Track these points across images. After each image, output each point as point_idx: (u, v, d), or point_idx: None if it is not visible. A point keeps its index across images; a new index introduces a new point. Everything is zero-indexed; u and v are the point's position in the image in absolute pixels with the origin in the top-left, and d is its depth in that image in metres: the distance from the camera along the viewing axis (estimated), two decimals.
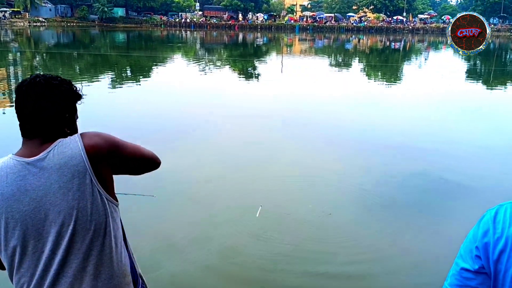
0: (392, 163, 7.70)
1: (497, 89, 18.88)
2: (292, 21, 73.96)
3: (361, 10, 79.48)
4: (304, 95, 14.83)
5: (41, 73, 1.68)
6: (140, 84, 17.26)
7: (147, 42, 46.50)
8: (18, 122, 1.63)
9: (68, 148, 1.56)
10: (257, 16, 75.56)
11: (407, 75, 23.34)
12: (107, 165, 1.63)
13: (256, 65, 26.94)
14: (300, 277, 4.20)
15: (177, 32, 65.00)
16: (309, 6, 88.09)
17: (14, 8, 66.03)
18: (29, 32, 53.82)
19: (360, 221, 5.47)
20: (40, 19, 66.23)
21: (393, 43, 51.57)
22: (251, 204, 5.76)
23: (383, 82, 20.79)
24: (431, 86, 18.14)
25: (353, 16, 76.34)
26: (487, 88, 19.16)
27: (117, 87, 16.30)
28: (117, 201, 1.69)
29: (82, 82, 16.29)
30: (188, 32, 65.47)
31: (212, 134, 9.42)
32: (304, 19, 75.05)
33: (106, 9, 69.85)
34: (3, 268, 1.66)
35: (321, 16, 75.14)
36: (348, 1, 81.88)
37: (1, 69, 21.58)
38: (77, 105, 1.74)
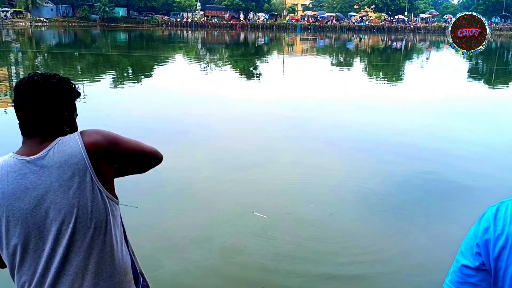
0: (393, 162, 7.68)
1: (499, 88, 18.84)
2: (294, 21, 73.93)
3: (363, 9, 79.40)
4: (305, 95, 14.81)
5: (40, 71, 1.68)
6: (141, 84, 17.28)
7: (148, 42, 46.53)
8: (18, 121, 1.63)
9: (68, 146, 1.56)
10: (259, 16, 75.54)
11: (408, 75, 23.31)
12: (108, 163, 1.63)
13: (257, 65, 26.94)
14: (301, 277, 4.20)
15: (179, 32, 65.02)
16: (310, 5, 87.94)
17: (15, 8, 66.11)
18: (30, 32, 53.90)
19: (361, 221, 5.46)
20: (42, 19, 66.30)
21: (395, 43, 51.51)
22: (252, 204, 5.76)
23: (384, 81, 20.78)
24: (432, 85, 18.11)
25: (354, 15, 76.25)
26: (489, 88, 19.12)
27: (119, 87, 16.32)
28: (117, 199, 1.68)
29: (84, 82, 16.31)
30: (190, 31, 65.48)
31: (213, 134, 9.42)
32: (306, 19, 75.01)
33: (107, 9, 69.89)
34: (4, 266, 1.67)
35: (323, 15, 75.09)
36: (350, 0, 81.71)
37: (3, 69, 21.62)
38: (76, 103, 1.74)
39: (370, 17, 75.53)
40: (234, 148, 8.35)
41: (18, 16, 64.96)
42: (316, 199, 5.99)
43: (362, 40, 56.77)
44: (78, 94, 1.73)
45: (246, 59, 29.56)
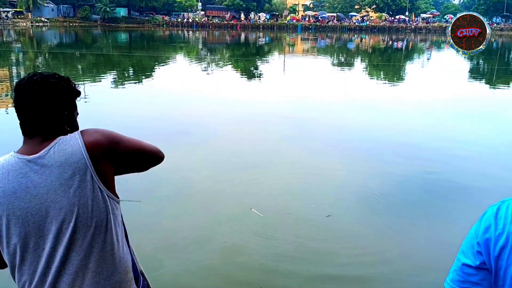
0: (394, 162, 7.68)
1: (500, 88, 18.83)
2: (294, 21, 73.95)
3: (364, 9, 79.42)
4: (306, 95, 14.81)
5: (40, 71, 1.68)
6: (142, 84, 17.29)
7: (149, 42, 46.56)
8: (18, 121, 1.63)
9: (69, 145, 1.56)
10: (259, 16, 75.58)
11: (409, 75, 23.31)
12: (108, 161, 1.62)
13: (258, 65, 26.94)
14: (302, 277, 4.20)
15: (179, 32, 65.06)
16: (311, 5, 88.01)
17: (16, 8, 66.20)
18: (31, 32, 53.97)
19: (362, 221, 5.46)
20: (43, 19, 66.38)
21: (396, 43, 51.49)
22: (252, 204, 5.76)
23: (385, 81, 20.77)
24: (433, 85, 18.10)
25: (355, 15, 76.27)
26: (490, 88, 19.11)
27: (119, 87, 16.33)
28: (118, 198, 1.68)
29: (85, 82, 16.32)
30: (190, 32, 65.51)
31: (214, 134, 9.42)
32: (306, 19, 75.04)
33: (108, 9, 69.97)
34: (5, 266, 1.67)
35: (323, 15, 75.11)
36: (351, 0, 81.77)
37: (4, 69, 21.65)
38: (76, 102, 1.73)
39: (371, 17, 75.53)
40: (234, 148, 8.35)
41: (19, 17, 65.06)
42: (316, 199, 5.98)
43: (363, 40, 56.75)
44: (78, 93, 1.73)
45: (247, 59, 29.57)
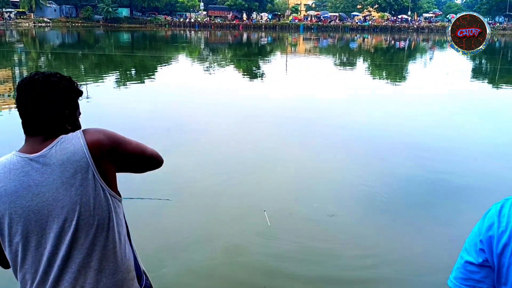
0: (398, 162, 7.67)
1: (503, 87, 18.79)
2: (297, 21, 73.97)
3: (366, 9, 79.36)
4: (308, 95, 14.81)
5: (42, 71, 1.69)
6: (145, 84, 17.30)
7: (151, 42, 46.61)
8: (20, 120, 1.64)
9: (71, 144, 1.56)
10: (262, 16, 75.60)
11: (412, 74, 23.28)
12: (109, 161, 1.63)
13: (260, 64, 26.94)
14: (304, 277, 4.20)
15: (182, 32, 65.11)
16: (313, 5, 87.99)
17: (19, 8, 66.35)
18: (34, 32, 54.07)
19: (365, 221, 5.44)
20: (45, 19, 66.51)
21: (398, 42, 51.43)
22: (255, 203, 5.77)
23: (388, 81, 20.74)
24: (436, 85, 18.06)
25: (357, 15, 76.19)
26: (492, 87, 19.06)
27: (122, 87, 16.36)
28: (120, 196, 1.69)
29: (87, 82, 16.35)
30: (193, 32, 65.55)
31: (216, 134, 9.42)
32: (309, 19, 75.03)
33: (110, 9, 70.07)
34: (8, 267, 1.67)
35: (326, 15, 75.10)
36: (353, 0, 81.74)
37: (7, 69, 21.70)
38: (78, 101, 1.74)
39: (373, 16, 75.46)
40: (236, 148, 8.35)
41: (21, 17, 65.20)
42: (319, 199, 5.98)
43: (365, 40, 56.70)
44: (80, 93, 1.73)
45: (249, 59, 29.57)
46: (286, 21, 74.45)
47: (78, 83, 1.74)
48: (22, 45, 36.89)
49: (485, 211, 1.33)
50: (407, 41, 53.48)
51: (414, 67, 27.27)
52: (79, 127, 1.73)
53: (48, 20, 66.61)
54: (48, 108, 1.60)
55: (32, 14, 66.33)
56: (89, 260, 1.57)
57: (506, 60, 31.90)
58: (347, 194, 6.25)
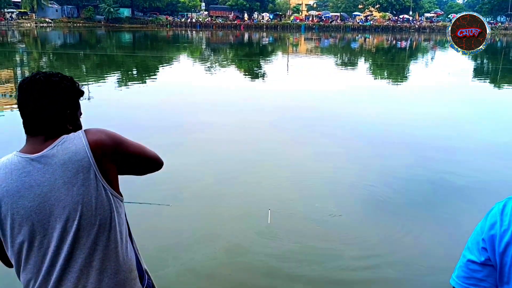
0: (399, 161, 7.66)
1: (505, 87, 18.76)
2: (298, 21, 73.93)
3: (367, 9, 79.24)
4: (309, 95, 14.81)
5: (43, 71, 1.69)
6: (146, 85, 17.31)
7: (153, 42, 46.64)
8: (21, 120, 1.64)
9: (72, 143, 1.57)
10: (263, 16, 75.62)
11: (413, 74, 23.25)
12: (111, 161, 1.63)
13: (262, 65, 26.93)
14: (306, 278, 4.19)
15: (183, 32, 65.14)
16: (315, 5, 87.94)
17: (21, 9, 66.45)
18: (35, 33, 54.13)
19: (368, 221, 5.43)
20: (47, 20, 66.60)
21: (400, 42, 51.37)
22: (257, 202, 5.77)
23: (389, 80, 20.73)
24: (438, 84, 18.04)
25: (359, 15, 76.14)
26: (494, 87, 19.04)
27: (123, 87, 16.36)
28: (122, 196, 1.69)
29: (89, 82, 16.37)
30: (194, 32, 65.59)
31: (218, 133, 9.42)
32: (310, 19, 74.99)
33: (112, 9, 70.14)
34: (11, 266, 1.67)
35: (327, 15, 75.07)
36: (354, 0, 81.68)
37: (9, 69, 21.73)
38: (80, 101, 1.74)
39: (375, 16, 75.38)
40: (238, 148, 8.35)
41: (23, 17, 65.30)
42: (321, 199, 5.98)
43: (367, 39, 56.65)
44: (81, 93, 1.73)
45: (250, 59, 29.56)
46: (288, 21, 74.43)
47: (80, 83, 1.75)
48: (24, 46, 36.93)
49: (487, 211, 1.33)
50: (409, 41, 53.42)
51: (416, 67, 27.24)
52: (80, 127, 1.73)
53: (50, 21, 66.71)
54: (49, 108, 1.60)
55: (34, 14, 66.42)
56: (91, 260, 1.57)
57: (508, 60, 31.86)
58: (349, 194, 6.24)
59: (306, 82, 18.17)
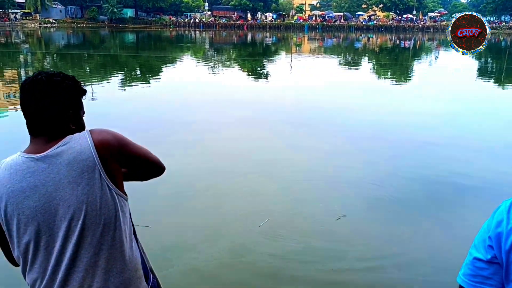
0: (404, 161, 7.64)
1: (510, 87, 18.70)
2: (301, 20, 73.97)
3: (371, 8, 79.21)
4: (313, 94, 14.82)
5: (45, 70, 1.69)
6: (149, 84, 17.35)
7: (156, 42, 46.74)
8: (25, 120, 1.64)
9: (77, 143, 1.57)
10: (266, 16, 75.68)
11: (417, 73, 23.20)
12: (115, 161, 1.63)
13: (265, 64, 26.94)
14: (310, 278, 4.19)
15: (186, 32, 65.25)
16: (318, 5, 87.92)
17: (25, 9, 66.71)
18: (39, 33, 54.34)
19: (373, 222, 5.40)
20: (51, 20, 66.87)
21: (403, 42, 51.29)
22: (260, 203, 5.77)
23: (393, 80, 20.68)
24: (441, 84, 18.00)
25: (362, 14, 76.10)
26: (499, 86, 18.97)
27: (127, 87, 16.39)
28: (126, 195, 1.69)
29: (92, 82, 16.41)
30: (197, 32, 65.71)
31: (221, 133, 9.43)
32: (313, 18, 75.00)
33: (115, 10, 70.36)
34: (18, 265, 1.68)
35: (330, 15, 75.05)
36: None
37: (13, 70, 21.82)
38: (82, 101, 1.74)
39: (378, 16, 75.31)
40: (242, 147, 8.35)
41: (27, 18, 65.57)
42: (325, 199, 5.96)
43: (370, 39, 56.58)
44: (83, 92, 1.73)
45: (254, 59, 29.58)
46: (291, 21, 74.46)
47: (84, 83, 1.74)
48: (27, 46, 37.08)
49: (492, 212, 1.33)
50: (412, 41, 53.32)
51: (420, 67, 27.20)
52: (83, 126, 1.73)
53: (54, 21, 66.96)
54: (51, 108, 1.60)
55: (37, 15, 66.68)
56: (97, 259, 1.58)
57: None
58: (353, 194, 6.21)
59: (309, 82, 18.15)
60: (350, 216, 5.46)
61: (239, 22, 74.20)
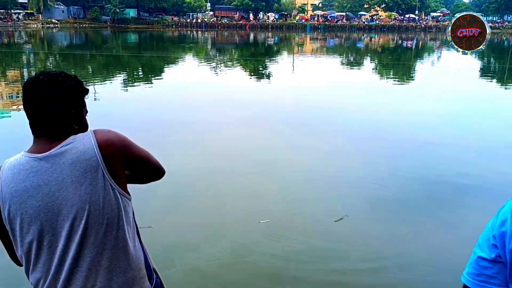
0: (406, 161, 7.63)
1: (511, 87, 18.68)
2: (303, 21, 73.92)
3: (373, 8, 79.07)
4: (315, 94, 14.81)
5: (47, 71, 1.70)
6: (151, 84, 17.36)
7: (158, 42, 46.76)
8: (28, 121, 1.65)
9: (81, 143, 1.58)
10: (268, 16, 75.66)
11: (419, 73, 23.15)
12: (119, 161, 1.64)
13: (267, 64, 26.93)
14: (312, 278, 4.19)
15: (189, 32, 65.27)
16: (320, 5, 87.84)
17: (27, 10, 66.84)
18: (42, 33, 54.44)
19: (373, 221, 5.40)
20: (53, 20, 66.99)
21: (405, 42, 51.20)
22: (261, 203, 5.77)
23: (395, 80, 20.65)
24: (443, 84, 17.96)
25: (364, 14, 75.97)
26: (501, 86, 18.92)
27: (129, 87, 16.41)
28: (129, 195, 1.70)
29: (95, 82, 16.44)
30: (200, 32, 65.71)
31: (223, 133, 9.43)
32: (315, 18, 74.94)
33: (118, 10, 70.45)
34: (21, 264, 1.68)
35: (333, 15, 75.00)
36: None
37: (16, 70, 21.87)
38: (85, 100, 1.75)
39: (381, 16, 75.18)
40: (242, 148, 8.35)
41: (30, 18, 65.69)
42: (327, 199, 5.96)
43: (373, 39, 56.50)
44: (86, 91, 1.74)
45: (256, 59, 29.57)
46: (293, 21, 74.43)
47: (86, 83, 1.76)
48: (30, 46, 37.15)
49: (497, 211, 1.33)
50: (415, 41, 53.22)
51: (422, 66, 27.15)
52: (86, 126, 1.74)
53: (56, 21, 67.08)
54: (53, 108, 1.61)
55: (40, 15, 66.81)
56: (100, 259, 1.58)
57: None
58: (355, 194, 6.20)
59: (311, 82, 18.14)
60: (351, 216, 5.46)
61: (241, 22, 74.19)
